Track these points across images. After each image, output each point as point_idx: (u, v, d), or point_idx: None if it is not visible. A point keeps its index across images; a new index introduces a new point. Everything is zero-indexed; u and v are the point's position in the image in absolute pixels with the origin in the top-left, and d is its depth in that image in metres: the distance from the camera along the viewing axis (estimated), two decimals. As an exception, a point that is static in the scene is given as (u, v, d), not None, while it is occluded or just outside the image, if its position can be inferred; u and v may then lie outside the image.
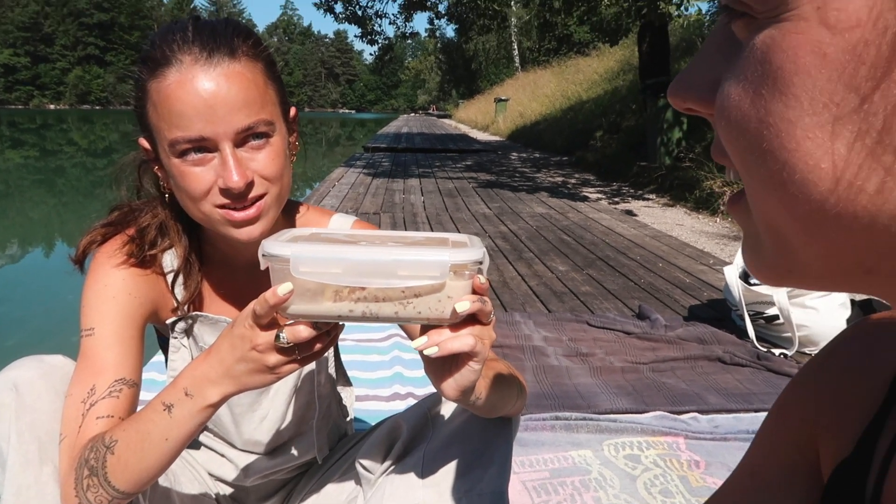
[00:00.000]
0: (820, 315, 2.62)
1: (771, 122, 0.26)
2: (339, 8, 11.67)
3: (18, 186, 13.58)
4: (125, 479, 0.84)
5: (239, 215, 0.92)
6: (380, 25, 12.21)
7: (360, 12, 11.81)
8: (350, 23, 11.90)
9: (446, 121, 40.58)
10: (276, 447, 1.18)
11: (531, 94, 24.10)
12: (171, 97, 0.87)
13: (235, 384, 0.79)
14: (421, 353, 0.72)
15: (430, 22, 12.97)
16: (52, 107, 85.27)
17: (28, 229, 8.96)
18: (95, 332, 0.95)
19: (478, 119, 30.12)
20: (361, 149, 15.29)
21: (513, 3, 8.65)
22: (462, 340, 0.69)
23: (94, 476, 0.85)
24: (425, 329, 0.72)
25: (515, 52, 38.76)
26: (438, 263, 0.67)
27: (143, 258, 1.00)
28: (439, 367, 0.74)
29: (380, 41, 12.69)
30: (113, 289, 0.98)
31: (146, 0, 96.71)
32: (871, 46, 0.23)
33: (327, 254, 0.69)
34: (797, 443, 0.49)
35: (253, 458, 1.18)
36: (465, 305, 0.68)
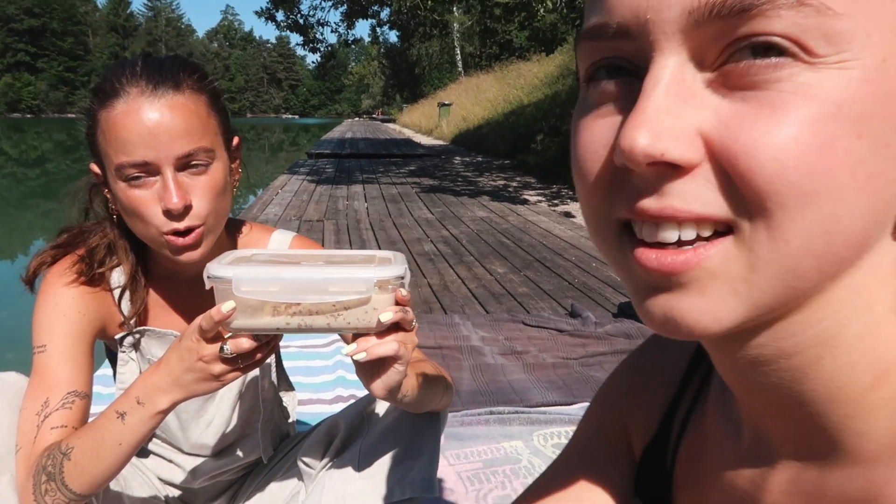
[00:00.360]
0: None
1: (845, 161, 0.29)
2: (280, 16, 11.69)
3: (-54, 198, 13.14)
4: (81, 482, 0.92)
5: (180, 241, 1.00)
6: (322, 33, 12.23)
7: (301, 21, 11.82)
8: (292, 31, 11.88)
9: (391, 125, 40.57)
10: (222, 449, 1.27)
11: (474, 99, 24.37)
12: (118, 125, 0.95)
13: (184, 392, 0.88)
14: (352, 357, 0.82)
15: (373, 29, 12.95)
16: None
17: None
18: (47, 349, 1.03)
19: (422, 123, 30.26)
20: (305, 155, 15.21)
21: (455, 9, 8.79)
22: (387, 346, 0.80)
23: (52, 481, 0.92)
24: (356, 337, 0.82)
25: (458, 58, 39.09)
26: (364, 280, 0.78)
27: (91, 276, 1.08)
28: (369, 369, 0.84)
29: (322, 49, 12.69)
30: (63, 307, 1.05)
31: (80, 5, 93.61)
32: None
33: (265, 274, 0.78)
34: (618, 425, 0.61)
35: (200, 460, 1.26)
36: (388, 315, 0.79)
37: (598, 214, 0.36)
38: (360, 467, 1.15)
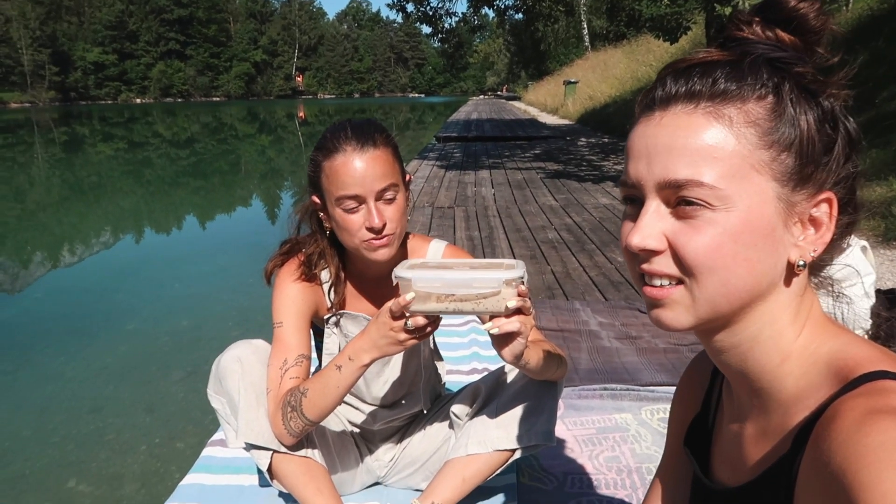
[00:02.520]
0: (852, 304, 2.97)
1: (728, 253, 0.62)
2: (410, 7, 12.20)
3: (110, 177, 14.57)
4: (313, 413, 1.37)
5: (377, 243, 1.42)
6: (450, 23, 12.63)
7: (430, 12, 12.28)
8: (421, 23, 12.39)
9: (515, 103, 40.61)
10: (394, 402, 1.70)
11: (601, 76, 23.98)
12: (339, 171, 1.38)
13: (379, 351, 1.30)
14: (489, 332, 1.20)
15: (498, 13, 13.07)
16: (138, 101, 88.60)
17: (119, 218, 9.68)
18: (284, 325, 1.48)
19: (547, 101, 30.12)
20: (434, 139, 15.76)
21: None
22: (512, 324, 1.18)
23: (295, 411, 1.38)
24: (491, 318, 1.20)
25: (585, 32, 38.38)
26: (497, 279, 1.16)
27: (310, 275, 1.53)
28: (500, 341, 1.23)
29: (451, 38, 13.12)
30: (293, 296, 1.51)
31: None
32: (767, 222, 0.62)
33: (432, 275, 1.18)
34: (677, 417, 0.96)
35: (378, 409, 1.70)
36: (513, 303, 1.16)
37: (631, 266, 0.71)
38: (496, 419, 1.54)
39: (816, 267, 0.71)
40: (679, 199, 0.64)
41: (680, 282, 0.66)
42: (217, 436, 2.11)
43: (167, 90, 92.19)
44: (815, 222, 0.67)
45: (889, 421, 0.52)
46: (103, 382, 3.61)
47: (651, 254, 0.66)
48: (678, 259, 0.65)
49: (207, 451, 2.04)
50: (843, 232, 0.69)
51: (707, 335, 0.71)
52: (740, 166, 0.63)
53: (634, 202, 0.70)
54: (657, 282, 0.67)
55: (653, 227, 0.65)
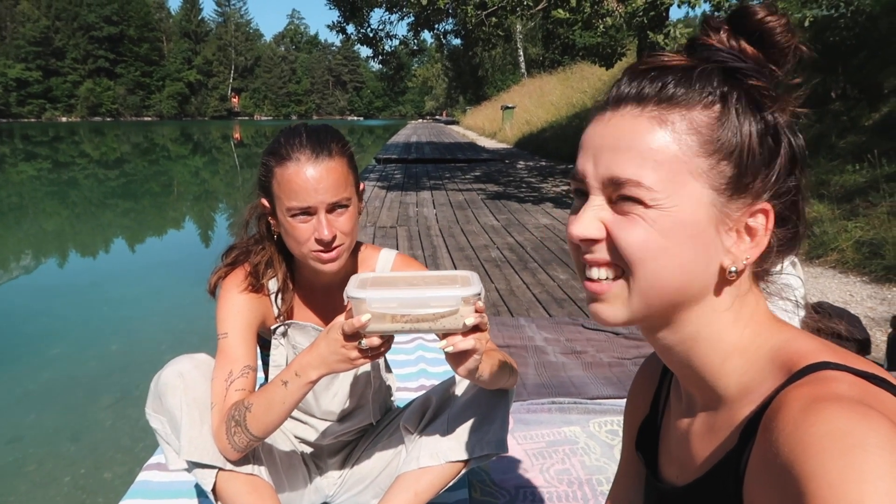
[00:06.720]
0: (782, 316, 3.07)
1: (656, 248, 0.63)
2: (350, 29, 12.15)
3: (32, 198, 13.87)
4: (258, 428, 1.31)
5: (326, 256, 1.38)
6: (390, 46, 12.64)
7: (371, 34, 12.27)
8: (362, 44, 12.35)
9: (454, 127, 40.97)
10: (344, 416, 1.64)
11: (537, 102, 24.47)
12: (291, 180, 1.33)
13: (327, 368, 1.24)
14: (444, 350, 1.17)
15: (437, 38, 13.12)
16: (64, 119, 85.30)
17: (42, 240, 9.22)
18: (228, 336, 1.42)
19: (485, 126, 30.51)
20: (373, 161, 15.72)
21: (519, 13, 9.06)
22: (467, 342, 1.14)
23: (239, 426, 1.31)
24: (446, 335, 1.16)
25: (521, 59, 39.20)
26: (454, 297, 1.12)
27: (257, 286, 1.47)
28: (455, 358, 1.18)
29: (391, 61, 13.13)
30: (238, 307, 1.44)
31: (154, 13, 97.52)
32: (697, 225, 0.63)
33: (387, 294, 1.13)
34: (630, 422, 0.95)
35: (327, 424, 1.64)
36: (471, 321, 1.13)
37: (576, 257, 0.72)
38: (448, 431, 1.51)
39: (763, 273, 0.72)
40: (620, 196, 0.66)
41: (618, 277, 0.68)
42: (154, 459, 2.00)
43: (95, 109, 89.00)
44: (750, 231, 0.67)
45: (833, 409, 0.53)
46: (24, 410, 3.40)
47: (591, 243, 0.68)
48: (615, 250, 0.67)
49: (143, 476, 1.93)
50: (788, 244, 0.70)
51: (650, 332, 0.72)
52: (678, 171, 0.64)
53: (582, 195, 0.71)
54: (596, 275, 0.68)
55: (592, 218, 0.68)
